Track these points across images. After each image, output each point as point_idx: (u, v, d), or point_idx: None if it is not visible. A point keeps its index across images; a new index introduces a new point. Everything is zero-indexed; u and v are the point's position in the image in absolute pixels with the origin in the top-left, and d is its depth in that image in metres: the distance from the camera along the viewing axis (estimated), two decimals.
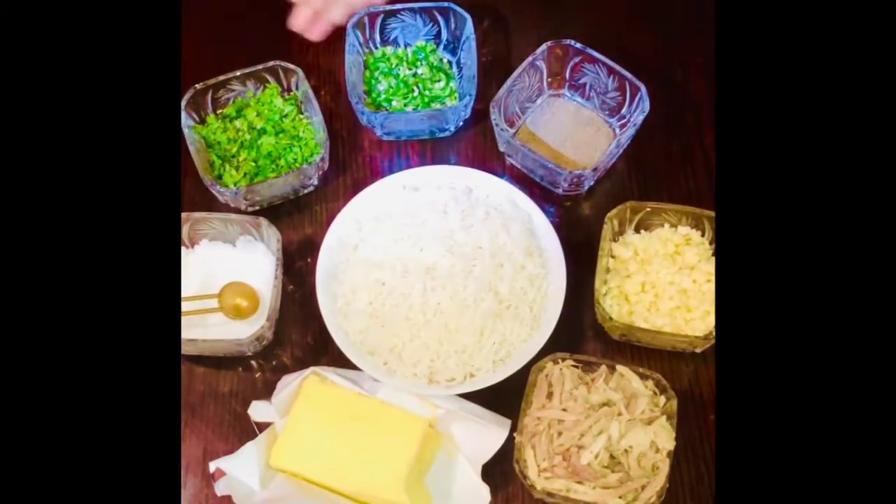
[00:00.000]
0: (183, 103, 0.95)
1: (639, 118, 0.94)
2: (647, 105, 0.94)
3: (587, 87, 1.01)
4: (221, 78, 0.98)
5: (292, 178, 0.94)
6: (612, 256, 0.91)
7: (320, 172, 0.97)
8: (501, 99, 0.95)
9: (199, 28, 1.06)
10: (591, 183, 0.97)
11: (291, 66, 0.98)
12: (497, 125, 0.95)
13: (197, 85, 0.97)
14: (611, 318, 0.86)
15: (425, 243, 0.89)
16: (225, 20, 1.11)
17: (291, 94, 1.00)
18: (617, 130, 1.00)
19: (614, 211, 0.90)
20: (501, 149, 0.98)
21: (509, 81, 0.96)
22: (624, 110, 0.98)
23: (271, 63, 0.98)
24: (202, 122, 0.99)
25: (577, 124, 1.01)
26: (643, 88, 0.95)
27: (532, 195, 0.94)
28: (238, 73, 0.98)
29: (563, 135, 1.00)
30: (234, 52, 1.07)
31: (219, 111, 1.00)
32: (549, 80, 1.01)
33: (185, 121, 0.96)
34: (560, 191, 0.97)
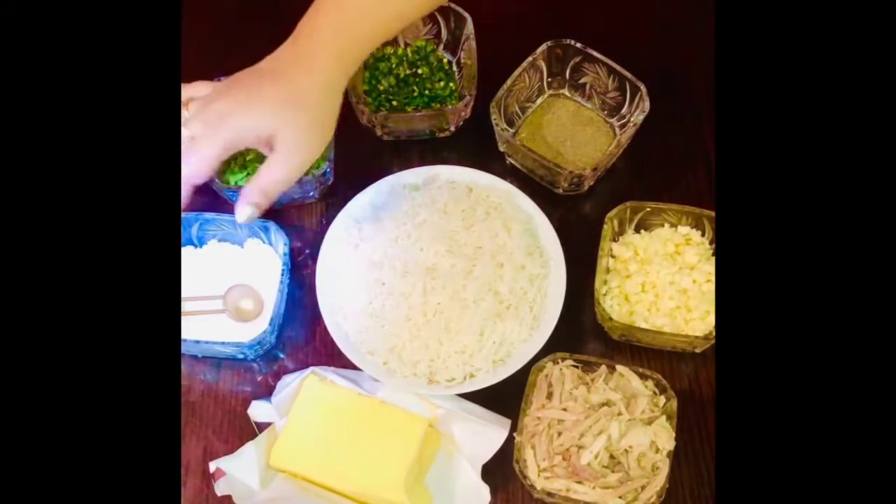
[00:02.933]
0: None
1: (639, 118, 0.94)
2: (647, 105, 0.94)
3: (587, 87, 1.01)
4: None
5: (292, 187, 0.94)
6: (612, 256, 0.91)
7: (321, 187, 0.96)
8: (501, 99, 0.95)
9: (201, 27, 1.06)
10: (591, 183, 0.97)
11: None
12: (497, 125, 0.95)
13: (222, 77, 0.95)
14: (611, 319, 0.86)
15: (425, 243, 0.89)
16: (225, 20, 1.11)
17: None
18: (617, 130, 1.00)
19: (614, 211, 0.90)
20: (501, 149, 0.98)
21: (509, 81, 0.96)
22: (624, 110, 0.98)
23: None
24: None
25: (578, 124, 1.01)
26: (643, 88, 0.95)
27: (532, 195, 0.94)
28: None
29: (564, 135, 1.00)
30: (234, 53, 1.07)
31: None
32: (549, 79, 1.01)
33: None
34: (560, 191, 0.97)
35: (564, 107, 1.02)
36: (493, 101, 0.95)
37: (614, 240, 0.92)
